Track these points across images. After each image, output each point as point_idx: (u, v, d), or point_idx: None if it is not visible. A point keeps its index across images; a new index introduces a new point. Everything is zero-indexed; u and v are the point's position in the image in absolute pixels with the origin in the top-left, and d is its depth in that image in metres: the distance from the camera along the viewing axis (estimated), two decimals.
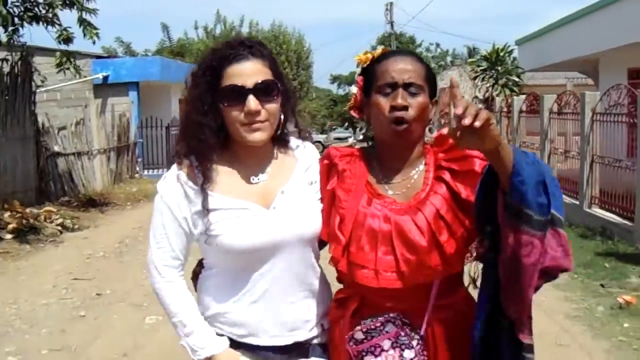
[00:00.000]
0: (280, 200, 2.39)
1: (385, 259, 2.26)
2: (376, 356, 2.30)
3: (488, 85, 21.26)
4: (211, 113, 2.34)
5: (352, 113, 2.54)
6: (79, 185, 16.27)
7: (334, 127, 59.45)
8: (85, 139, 17.13)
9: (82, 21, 12.12)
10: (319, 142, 43.62)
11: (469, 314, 2.29)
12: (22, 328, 6.65)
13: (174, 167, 2.41)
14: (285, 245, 2.36)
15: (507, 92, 20.44)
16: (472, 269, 2.34)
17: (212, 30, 37.02)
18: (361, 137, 50.19)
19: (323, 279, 2.54)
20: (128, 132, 20.09)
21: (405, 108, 2.26)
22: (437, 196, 2.30)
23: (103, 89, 20.76)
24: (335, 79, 65.84)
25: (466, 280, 2.38)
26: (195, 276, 2.54)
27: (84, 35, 12.19)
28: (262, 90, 2.31)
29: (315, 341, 2.48)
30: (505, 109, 17.92)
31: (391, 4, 44.83)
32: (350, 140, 53.27)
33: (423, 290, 2.29)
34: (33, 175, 13.92)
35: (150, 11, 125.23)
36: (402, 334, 2.30)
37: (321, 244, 2.49)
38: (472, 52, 47.29)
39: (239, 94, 2.29)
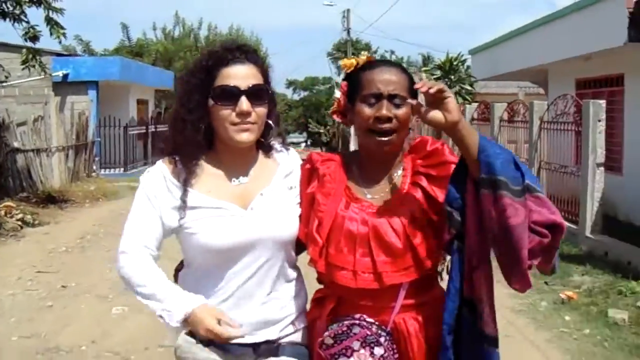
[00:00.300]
0: (259, 202, 2.46)
1: (363, 261, 2.34)
2: (348, 357, 2.35)
3: None
4: (200, 112, 2.41)
5: (335, 117, 2.62)
6: (37, 182, 16.26)
7: (288, 131, 59.71)
8: (44, 136, 17.13)
9: (49, 20, 12.26)
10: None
11: (442, 310, 2.38)
12: None
13: (159, 162, 2.50)
14: (260, 245, 2.41)
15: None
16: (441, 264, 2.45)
17: (171, 32, 36.97)
18: (310, 142, 50.49)
19: (299, 280, 2.60)
20: (87, 130, 20.08)
21: (389, 120, 2.35)
22: (413, 201, 2.39)
23: (62, 86, 20.67)
24: (290, 83, 65.98)
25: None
26: (176, 274, 2.59)
27: (51, 34, 12.36)
28: (254, 94, 2.40)
29: (285, 340, 2.52)
30: (476, 116, 18.42)
31: (348, 10, 45.22)
32: (303, 146, 53.67)
33: (398, 289, 2.37)
34: None
35: (109, 10, 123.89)
36: (369, 333, 2.35)
37: (300, 248, 2.56)
38: (426, 60, 47.79)
39: (232, 94, 2.38)
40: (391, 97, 2.36)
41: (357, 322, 2.37)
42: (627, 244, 9.35)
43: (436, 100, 2.11)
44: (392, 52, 52.78)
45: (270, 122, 2.53)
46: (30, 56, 12.90)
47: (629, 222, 11.93)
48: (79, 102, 21.07)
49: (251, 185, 2.49)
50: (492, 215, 2.12)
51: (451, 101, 2.13)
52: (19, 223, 11.91)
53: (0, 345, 5.99)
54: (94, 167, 20.77)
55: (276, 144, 2.63)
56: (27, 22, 12.31)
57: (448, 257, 2.39)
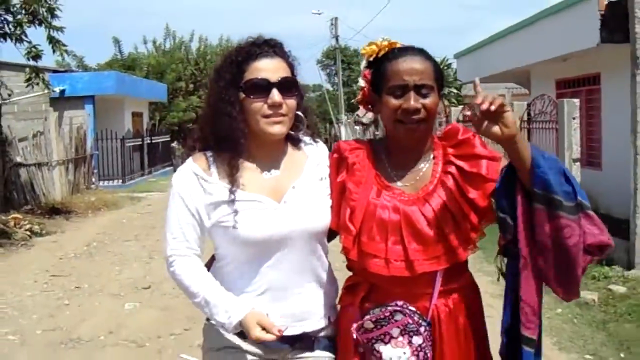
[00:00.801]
0: (292, 195, 2.46)
1: (395, 249, 2.34)
2: (386, 343, 2.35)
3: None
4: (236, 105, 2.42)
5: (362, 107, 2.63)
6: (40, 194, 16.75)
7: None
8: (45, 151, 17.65)
9: (51, 39, 12.85)
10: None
11: (473, 299, 2.46)
12: (14, 314, 7.44)
13: (189, 160, 2.52)
14: (294, 238, 2.42)
15: (447, 103, 21.59)
16: (498, 261, 2.41)
17: (162, 45, 37.48)
18: None
19: (330, 272, 2.60)
20: (85, 144, 20.58)
21: (417, 111, 2.33)
22: (444, 189, 2.38)
23: (60, 102, 21.12)
24: None
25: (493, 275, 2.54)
26: (207, 269, 2.55)
27: (54, 52, 12.98)
28: (285, 86, 2.42)
29: (322, 334, 2.54)
30: (444, 119, 19.03)
31: (336, 19, 45.92)
32: None
33: (430, 277, 2.36)
34: None
35: (100, 25, 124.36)
36: (410, 321, 2.34)
37: (330, 236, 2.56)
38: None
39: (263, 87, 2.40)
40: (418, 88, 2.34)
41: (400, 309, 2.35)
42: None
43: (495, 115, 2.10)
44: None
45: (300, 114, 2.55)
46: (34, 75, 13.45)
47: (608, 214, 12.50)
48: (77, 116, 21.54)
49: (283, 177, 2.51)
50: (546, 231, 2.17)
51: (509, 115, 2.12)
52: (28, 233, 12.48)
53: (27, 337, 6.56)
54: (93, 179, 21.25)
55: (305, 136, 2.64)
56: (29, 42, 12.87)
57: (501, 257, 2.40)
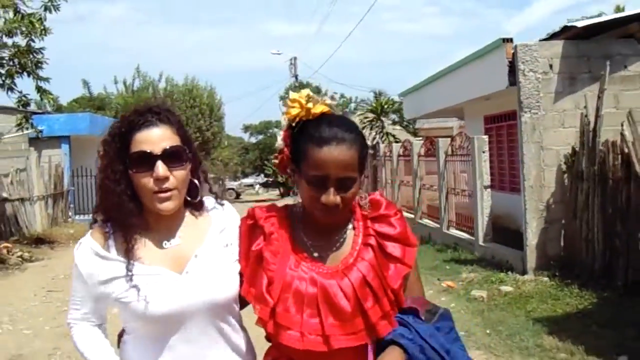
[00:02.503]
0: (194, 265, 2.34)
1: (310, 322, 2.23)
2: None
3: (375, 134, 24.46)
4: (123, 180, 2.32)
5: (279, 171, 2.49)
6: (23, 226, 18.43)
7: (245, 173, 61.95)
8: (27, 187, 19.35)
9: (39, 88, 14.65)
10: (232, 189, 45.20)
11: None
12: (24, 317, 9.31)
13: (87, 235, 2.41)
14: (200, 309, 2.30)
15: (391, 139, 23.63)
16: None
17: (131, 85, 39.18)
18: (268, 182, 52.21)
19: (245, 338, 2.49)
20: (62, 180, 22.32)
21: (336, 206, 2.23)
22: (364, 262, 2.30)
23: (38, 141, 22.62)
24: (247, 128, 68.01)
25: None
26: (119, 339, 2.47)
27: (41, 99, 14.86)
28: (171, 156, 2.29)
29: None
30: (388, 154, 20.95)
31: (295, 58, 47.93)
32: (257, 187, 55.81)
33: (350, 353, 2.25)
34: None
35: (64, 60, 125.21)
36: None
37: (243, 302, 2.44)
38: (378, 96, 50.65)
39: (147, 160, 2.27)
40: (340, 181, 2.23)
41: None
42: (508, 248, 11.78)
43: None
44: (342, 95, 55.23)
45: (195, 181, 2.46)
46: (24, 120, 15.29)
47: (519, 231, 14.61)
48: (54, 155, 23.24)
49: (184, 246, 2.39)
50: None
51: None
52: (20, 259, 14.30)
53: (38, 332, 8.43)
54: (70, 213, 22.95)
55: (209, 199, 2.56)
56: (20, 92, 14.69)
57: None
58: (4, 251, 14.45)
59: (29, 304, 10.12)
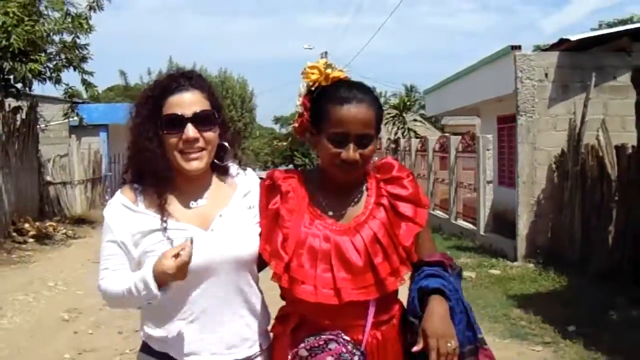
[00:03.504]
0: (218, 223, 2.43)
1: (323, 276, 2.31)
2: None
3: (396, 129, 25.56)
4: (154, 140, 2.38)
5: (297, 135, 2.54)
6: (65, 208, 19.88)
7: (275, 163, 62.60)
8: (68, 171, 20.76)
9: (84, 81, 16.20)
10: (262, 178, 46.93)
11: (400, 327, 2.45)
12: (74, 281, 10.78)
13: (117, 192, 2.49)
14: (222, 265, 2.39)
15: (412, 135, 24.68)
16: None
17: None
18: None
19: (262, 300, 2.55)
20: (100, 166, 23.74)
21: (356, 161, 2.32)
22: (376, 221, 2.39)
23: (78, 129, 23.75)
24: (277, 120, 68.91)
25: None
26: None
27: (86, 91, 16.34)
28: (201, 120, 2.37)
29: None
30: (407, 149, 22.03)
31: (325, 53, 48.65)
32: None
33: (360, 307, 2.34)
34: (37, 199, 17.81)
35: (104, 54, 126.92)
36: (344, 350, 2.30)
37: (261, 265, 2.51)
38: (409, 90, 51.53)
39: (178, 122, 2.36)
40: (359, 138, 2.31)
41: (335, 338, 2.32)
42: (504, 237, 12.81)
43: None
44: (374, 89, 55.95)
45: (225, 144, 2.52)
46: (70, 110, 16.81)
47: None
48: (93, 142, 24.65)
49: (210, 207, 2.47)
50: None
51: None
52: (64, 236, 15.78)
53: (88, 293, 9.70)
54: (106, 197, 24.26)
55: (233, 166, 2.61)
56: (67, 84, 16.23)
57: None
58: (51, 229, 15.91)
59: (78, 272, 11.52)
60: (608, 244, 9.68)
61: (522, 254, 11.58)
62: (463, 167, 15.92)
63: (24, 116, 16.71)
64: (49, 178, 19.69)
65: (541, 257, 11.24)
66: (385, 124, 25.14)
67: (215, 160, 2.52)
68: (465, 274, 10.64)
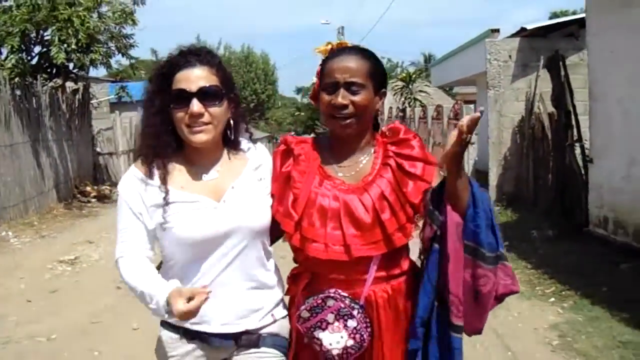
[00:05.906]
0: (231, 195, 2.48)
1: (333, 234, 2.40)
2: (323, 330, 2.40)
3: (403, 99, 27.80)
4: (158, 116, 2.45)
5: (312, 102, 2.62)
6: (112, 175, 22.36)
7: (297, 132, 64.32)
8: (113, 143, 23.33)
9: (132, 65, 19.01)
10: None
11: (412, 283, 2.50)
12: None
13: (132, 166, 2.54)
14: (234, 235, 2.44)
15: (418, 104, 26.92)
16: (421, 257, 2.48)
17: None
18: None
19: (275, 271, 2.63)
20: None
21: (345, 107, 2.40)
22: (383, 180, 2.46)
23: (118, 105, 26.44)
24: (299, 90, 69.78)
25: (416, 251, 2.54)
26: (157, 271, 2.51)
27: (134, 74, 19.30)
28: (206, 95, 2.42)
29: (265, 330, 2.55)
30: (412, 117, 24.29)
31: (342, 27, 49.16)
32: None
33: (367, 264, 2.43)
34: (92, 167, 20.67)
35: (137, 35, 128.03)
36: (342, 305, 2.40)
37: (273, 238, 2.60)
38: (427, 59, 52.37)
39: (184, 97, 2.40)
40: (348, 85, 2.40)
41: (332, 295, 2.42)
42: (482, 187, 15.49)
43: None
44: (389, 60, 55.86)
45: (235, 119, 2.57)
46: (121, 90, 19.95)
47: None
48: (133, 116, 26.70)
49: (221, 180, 2.52)
50: (466, 279, 2.30)
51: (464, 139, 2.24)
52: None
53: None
54: None
55: (244, 140, 2.65)
56: (117, 69, 18.98)
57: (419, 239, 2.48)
58: (107, 191, 18.89)
59: None
60: (548, 188, 12.36)
61: (493, 200, 14.00)
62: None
63: (80, 96, 19.50)
64: (98, 149, 22.28)
65: (506, 201, 13.89)
66: (394, 94, 27.47)
67: (228, 132, 2.60)
68: None
